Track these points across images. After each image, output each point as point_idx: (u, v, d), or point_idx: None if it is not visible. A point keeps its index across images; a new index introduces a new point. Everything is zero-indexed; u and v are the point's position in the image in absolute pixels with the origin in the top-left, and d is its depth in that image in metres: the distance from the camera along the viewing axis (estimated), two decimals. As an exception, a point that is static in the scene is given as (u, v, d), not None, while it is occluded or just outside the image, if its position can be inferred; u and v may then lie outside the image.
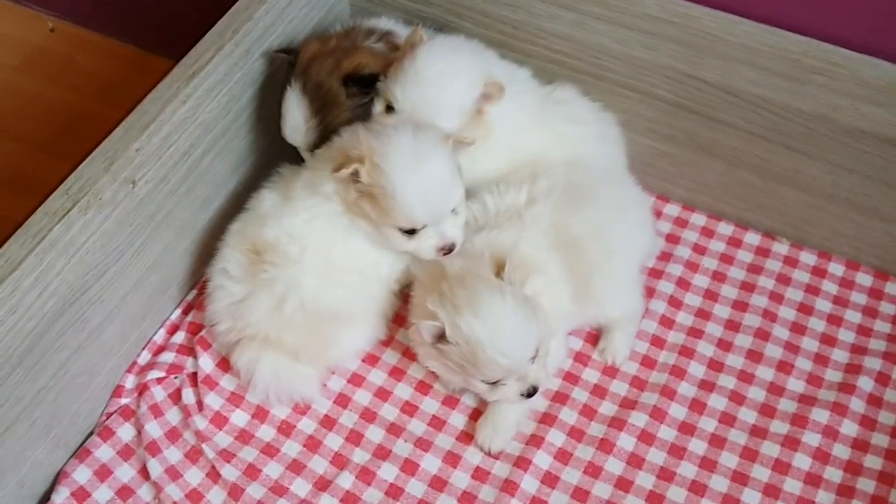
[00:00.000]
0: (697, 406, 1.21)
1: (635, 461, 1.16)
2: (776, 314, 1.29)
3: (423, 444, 1.18)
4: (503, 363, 1.05)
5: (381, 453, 1.18)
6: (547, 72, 1.33)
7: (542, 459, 1.16)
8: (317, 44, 1.22)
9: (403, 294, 1.24)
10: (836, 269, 1.34)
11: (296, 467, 1.17)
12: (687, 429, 1.19)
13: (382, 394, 1.23)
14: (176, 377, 1.23)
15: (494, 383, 1.08)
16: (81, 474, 1.14)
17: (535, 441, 1.17)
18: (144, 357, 1.25)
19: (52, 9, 1.91)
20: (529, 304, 1.07)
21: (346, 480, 1.15)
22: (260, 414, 1.21)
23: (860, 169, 1.24)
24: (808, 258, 1.35)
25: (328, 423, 1.21)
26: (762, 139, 1.27)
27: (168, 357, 1.24)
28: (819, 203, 1.31)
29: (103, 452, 1.16)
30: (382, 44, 1.23)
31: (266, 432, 1.20)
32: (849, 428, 1.17)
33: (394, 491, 1.14)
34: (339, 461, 1.17)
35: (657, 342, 1.27)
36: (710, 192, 1.38)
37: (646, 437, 1.18)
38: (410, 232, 1.12)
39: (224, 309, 1.19)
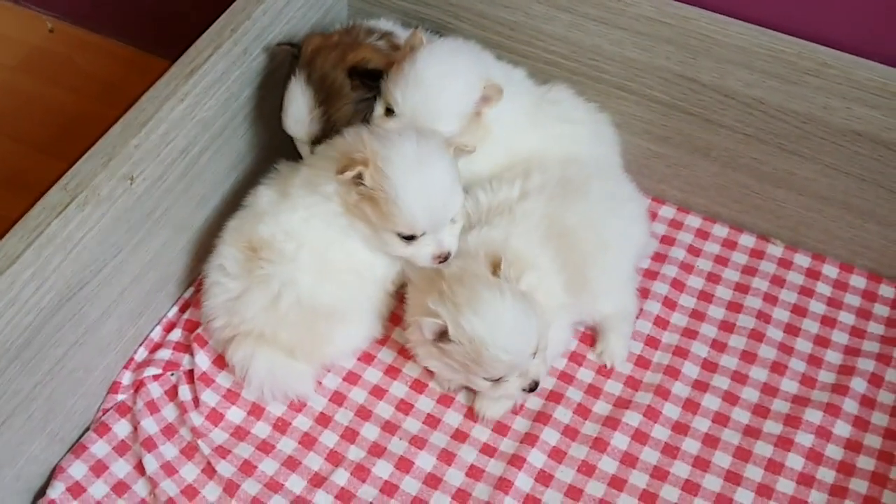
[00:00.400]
0: (691, 406, 1.21)
1: (629, 460, 1.16)
2: (770, 315, 1.30)
3: (418, 442, 1.18)
4: (506, 360, 1.06)
5: (376, 451, 1.18)
6: (543, 73, 1.34)
7: (537, 458, 1.16)
8: (320, 38, 1.23)
9: (399, 294, 1.25)
10: (830, 271, 1.35)
11: (291, 464, 1.17)
12: (681, 428, 1.19)
13: (378, 392, 1.24)
14: (172, 374, 1.24)
15: (496, 380, 1.09)
16: (77, 469, 1.14)
17: (529, 440, 1.18)
18: (141, 354, 1.26)
19: (51, 9, 1.91)
20: (527, 300, 1.08)
21: (341, 477, 1.15)
22: (256, 411, 1.22)
23: (854, 171, 1.25)
24: (802, 260, 1.36)
25: (324, 420, 1.21)
26: (757, 140, 1.28)
27: (165, 354, 1.25)
28: (814, 205, 1.32)
29: (99, 448, 1.16)
30: (384, 42, 1.24)
31: (262, 429, 1.20)
32: (842, 429, 1.18)
33: (388, 488, 1.15)
34: (335, 458, 1.18)
35: (651, 342, 1.28)
36: (704, 193, 1.39)
37: (640, 437, 1.18)
38: (409, 238, 1.13)
39: (220, 305, 1.19)
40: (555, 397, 1.22)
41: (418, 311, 1.11)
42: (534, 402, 1.22)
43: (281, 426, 1.20)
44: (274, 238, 1.16)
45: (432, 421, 1.21)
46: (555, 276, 1.15)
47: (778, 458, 1.16)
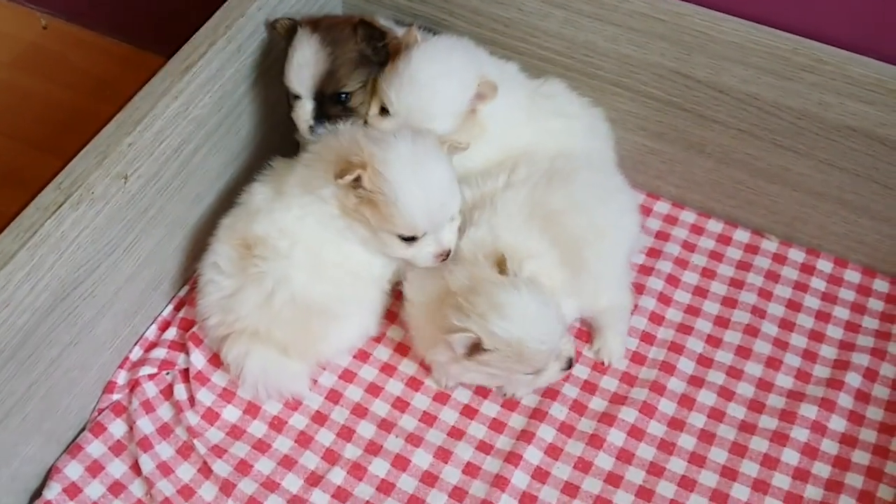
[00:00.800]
0: (687, 402, 1.22)
1: (625, 456, 1.17)
2: (765, 311, 1.30)
3: (414, 440, 1.18)
4: (546, 349, 1.08)
5: (373, 449, 1.18)
6: (537, 69, 1.34)
7: (533, 455, 1.16)
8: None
9: (396, 291, 1.25)
10: (825, 266, 1.35)
11: (287, 463, 1.17)
12: (676, 424, 1.19)
13: (374, 389, 1.24)
14: (168, 373, 1.24)
15: (537, 371, 1.10)
16: (73, 470, 1.14)
17: (525, 436, 1.18)
18: (136, 353, 1.26)
19: (45, 6, 1.91)
20: (539, 286, 1.09)
21: (337, 476, 1.15)
22: (251, 409, 1.22)
23: (849, 167, 1.25)
24: (796, 255, 1.36)
25: (319, 418, 1.21)
26: (751, 136, 1.28)
27: (160, 353, 1.24)
28: (808, 201, 1.32)
29: (95, 448, 1.16)
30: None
31: (258, 428, 1.20)
32: (837, 423, 1.18)
33: (385, 486, 1.15)
34: (331, 456, 1.18)
35: (647, 338, 1.28)
36: (699, 189, 1.39)
37: (635, 433, 1.18)
38: (409, 239, 1.12)
39: (214, 303, 1.19)
40: (551, 394, 1.22)
41: (428, 339, 1.10)
42: (530, 399, 1.22)
43: (277, 425, 1.20)
44: (268, 235, 1.15)
45: (429, 418, 1.21)
46: (547, 255, 1.15)
47: (773, 453, 1.16)
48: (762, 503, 1.13)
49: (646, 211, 1.41)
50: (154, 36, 1.80)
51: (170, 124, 1.15)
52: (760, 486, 1.14)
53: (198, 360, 1.23)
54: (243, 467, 1.16)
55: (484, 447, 1.18)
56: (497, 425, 1.20)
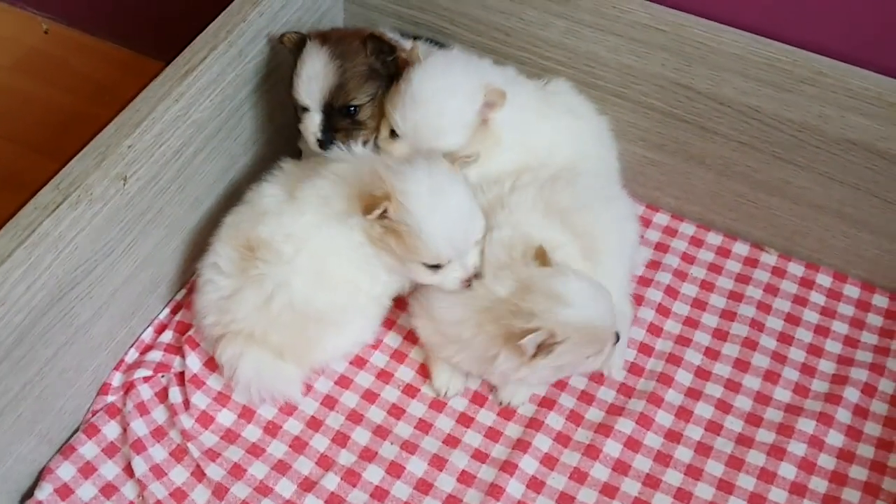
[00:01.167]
0: (684, 414, 1.21)
1: (621, 468, 1.16)
2: (764, 324, 1.30)
3: (409, 447, 1.18)
4: (611, 323, 1.10)
5: (367, 455, 1.17)
6: (539, 79, 1.34)
7: (529, 464, 1.16)
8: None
9: (395, 299, 1.25)
10: (824, 280, 1.35)
11: (281, 468, 1.16)
12: (673, 436, 1.19)
13: (370, 396, 1.23)
14: (163, 376, 1.23)
15: (600, 351, 1.11)
16: (65, 471, 1.13)
17: (521, 446, 1.17)
18: (132, 355, 1.25)
19: (46, 11, 1.91)
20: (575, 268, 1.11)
21: (331, 482, 1.15)
22: (246, 414, 1.21)
23: (849, 180, 1.25)
24: (796, 269, 1.36)
25: (314, 424, 1.20)
26: (751, 149, 1.28)
27: (156, 356, 1.24)
28: (808, 214, 1.32)
29: (88, 450, 1.15)
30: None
31: (252, 432, 1.19)
32: (834, 438, 1.18)
33: (379, 493, 1.14)
34: (325, 462, 1.17)
35: (645, 350, 1.27)
36: (699, 201, 1.39)
37: (632, 444, 1.18)
38: (435, 266, 1.12)
39: (212, 303, 1.18)
40: (547, 403, 1.21)
41: (487, 346, 1.09)
42: (526, 409, 1.21)
43: (271, 429, 1.20)
44: (273, 238, 1.15)
45: (424, 426, 1.20)
46: (570, 246, 1.16)
47: (770, 467, 1.15)
48: (759, 517, 1.12)
49: (645, 222, 1.41)
50: (154, 41, 1.81)
51: (170, 127, 1.14)
52: (757, 501, 1.13)
53: (193, 363, 1.22)
54: (237, 471, 1.15)
55: (479, 455, 1.17)
56: (493, 434, 1.19)
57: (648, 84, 1.29)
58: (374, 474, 1.15)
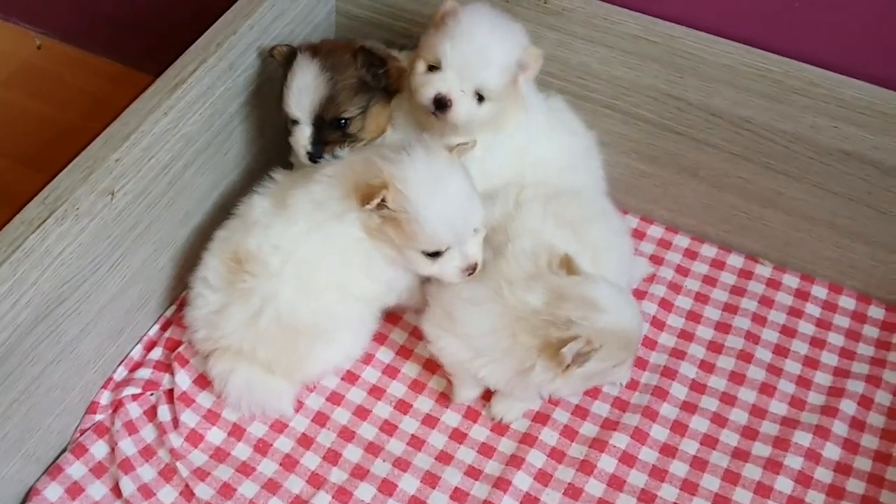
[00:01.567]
0: (679, 428, 1.20)
1: (616, 483, 1.15)
2: (759, 336, 1.29)
3: (401, 464, 1.16)
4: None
5: (359, 473, 1.16)
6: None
7: (522, 480, 1.14)
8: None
9: (386, 314, 1.24)
10: (819, 292, 1.34)
11: (271, 486, 1.15)
12: (668, 450, 1.18)
13: (361, 412, 1.22)
14: (152, 394, 1.22)
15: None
16: (53, 492, 1.12)
17: (515, 461, 1.16)
18: (120, 373, 1.23)
19: (39, 26, 1.91)
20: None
21: (322, 500, 1.13)
22: (236, 432, 1.20)
23: (842, 191, 1.25)
24: (790, 281, 1.35)
25: (305, 441, 1.19)
26: (744, 160, 1.28)
27: (144, 373, 1.22)
28: (802, 225, 1.31)
29: (76, 470, 1.14)
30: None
31: (242, 450, 1.18)
32: (831, 451, 1.17)
33: (371, 511, 1.13)
34: (316, 481, 1.15)
35: (639, 363, 1.26)
36: (693, 213, 1.38)
37: (627, 459, 1.16)
38: (434, 255, 1.12)
39: (202, 318, 1.18)
40: (541, 419, 1.20)
41: (521, 359, 1.08)
42: (520, 424, 1.20)
43: (262, 447, 1.18)
44: (260, 250, 1.14)
45: (417, 442, 1.19)
46: (583, 255, 1.15)
47: (767, 480, 1.14)
48: (755, 531, 1.11)
49: (640, 235, 1.40)
50: (148, 56, 1.80)
51: (158, 140, 1.14)
52: (753, 514, 1.12)
53: (183, 380, 1.21)
54: (226, 490, 1.14)
55: (473, 472, 1.16)
56: (486, 450, 1.18)
57: (640, 96, 1.28)
58: (365, 492, 1.14)
